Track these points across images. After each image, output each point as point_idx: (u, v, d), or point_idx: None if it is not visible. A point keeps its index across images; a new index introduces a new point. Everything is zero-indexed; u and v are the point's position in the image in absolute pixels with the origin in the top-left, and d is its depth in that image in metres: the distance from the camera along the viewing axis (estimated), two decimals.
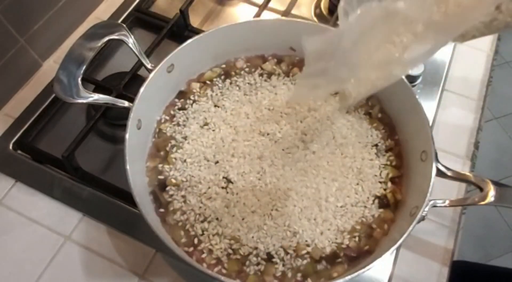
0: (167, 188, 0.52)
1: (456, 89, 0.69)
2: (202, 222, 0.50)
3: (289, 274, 0.48)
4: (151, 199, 0.52)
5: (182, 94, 0.59)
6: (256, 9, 0.72)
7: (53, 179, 0.60)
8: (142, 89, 0.52)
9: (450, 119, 0.66)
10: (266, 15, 0.74)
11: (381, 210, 0.52)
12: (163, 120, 0.57)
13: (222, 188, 0.52)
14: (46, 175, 0.60)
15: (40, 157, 0.61)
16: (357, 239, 0.50)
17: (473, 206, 0.49)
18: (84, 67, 0.53)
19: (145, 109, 0.53)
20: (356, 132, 0.56)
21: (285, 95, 0.59)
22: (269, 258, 0.48)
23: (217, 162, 0.54)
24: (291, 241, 0.49)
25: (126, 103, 0.52)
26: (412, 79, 0.66)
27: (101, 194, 0.58)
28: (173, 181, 0.53)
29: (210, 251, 0.49)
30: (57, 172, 0.60)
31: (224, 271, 0.48)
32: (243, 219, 0.50)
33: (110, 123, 0.65)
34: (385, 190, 0.53)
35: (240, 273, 0.48)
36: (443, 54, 0.71)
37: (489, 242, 1.45)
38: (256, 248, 0.49)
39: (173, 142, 0.55)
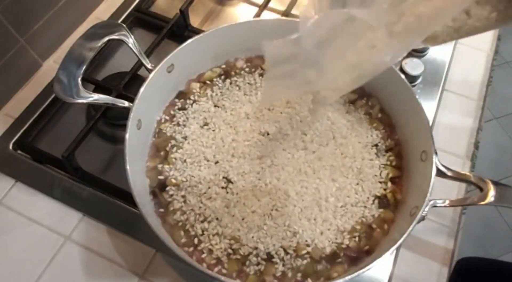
0: (167, 188, 0.52)
1: (456, 89, 0.69)
2: (202, 222, 0.50)
3: (289, 274, 0.48)
4: (151, 199, 0.52)
5: (182, 94, 0.59)
6: (256, 9, 0.72)
7: (53, 179, 0.60)
8: (142, 89, 0.52)
9: (450, 119, 0.66)
10: (266, 15, 0.74)
11: (381, 210, 0.52)
12: (163, 120, 0.57)
13: (222, 188, 0.52)
14: (46, 175, 0.60)
15: (40, 157, 0.61)
16: (357, 239, 0.50)
17: (473, 206, 0.49)
18: (84, 67, 0.53)
19: (145, 109, 0.53)
20: (356, 132, 0.56)
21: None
22: (269, 258, 0.48)
23: (217, 162, 0.54)
24: (291, 241, 0.49)
25: (126, 103, 0.52)
26: (412, 79, 0.66)
27: (101, 194, 0.58)
28: (173, 181, 0.53)
29: (210, 251, 0.49)
30: (57, 172, 0.60)
31: (224, 271, 0.48)
32: (243, 219, 0.50)
33: (110, 123, 0.65)
34: (385, 190, 0.53)
35: (240, 273, 0.48)
36: (443, 54, 0.71)
37: (489, 242, 1.45)
38: (256, 248, 0.49)
39: (173, 142, 0.55)
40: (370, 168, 0.54)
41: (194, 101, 0.59)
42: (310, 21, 0.38)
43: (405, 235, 0.43)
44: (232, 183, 0.52)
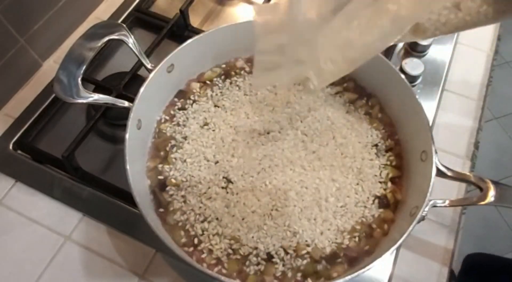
0: (167, 188, 0.52)
1: (456, 89, 0.69)
2: (202, 222, 0.50)
3: (289, 274, 0.48)
4: (151, 199, 0.52)
5: (182, 94, 0.59)
6: None
7: (53, 179, 0.60)
8: (142, 89, 0.52)
9: (450, 119, 0.66)
10: None
11: (381, 210, 0.52)
12: (163, 120, 0.57)
13: (222, 188, 0.52)
14: (46, 175, 0.60)
15: (40, 157, 0.61)
16: (357, 239, 0.50)
17: (473, 206, 0.49)
18: (84, 67, 0.53)
19: (145, 109, 0.53)
20: (356, 132, 0.56)
21: (285, 95, 0.59)
22: (269, 258, 0.48)
23: (217, 162, 0.54)
24: (291, 241, 0.49)
25: (126, 103, 0.52)
26: (412, 79, 0.66)
27: (101, 194, 0.58)
28: (173, 181, 0.53)
29: (210, 251, 0.49)
30: (57, 172, 0.60)
31: (224, 271, 0.48)
32: (243, 219, 0.50)
33: (110, 123, 0.65)
34: (385, 190, 0.53)
35: (240, 273, 0.48)
36: (443, 54, 0.71)
37: (489, 242, 1.45)
38: (256, 248, 0.49)
39: (173, 142, 0.55)
40: (370, 168, 0.54)
41: (194, 101, 0.59)
42: None
43: (405, 235, 0.43)
44: (232, 183, 0.52)
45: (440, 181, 0.47)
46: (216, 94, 0.59)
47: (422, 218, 0.45)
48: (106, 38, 0.55)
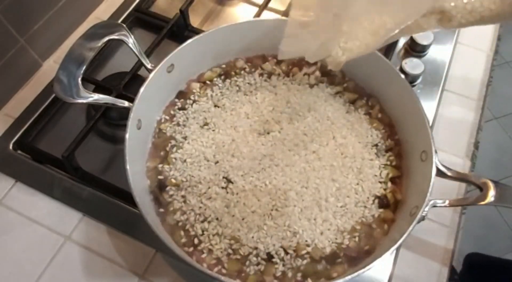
0: (167, 188, 0.52)
1: (456, 89, 0.69)
2: (202, 222, 0.50)
3: (289, 274, 0.48)
4: (151, 199, 0.52)
5: (182, 94, 0.59)
6: (256, 9, 0.72)
7: (53, 179, 0.60)
8: (142, 89, 0.52)
9: (450, 119, 0.66)
10: (266, 15, 0.74)
11: (381, 210, 0.52)
12: (163, 120, 0.57)
13: (222, 188, 0.52)
14: (46, 175, 0.60)
15: (40, 157, 0.61)
16: (357, 239, 0.50)
17: (473, 206, 0.49)
18: (84, 67, 0.53)
19: (145, 109, 0.53)
20: (356, 132, 0.56)
21: (285, 95, 0.59)
22: (269, 258, 0.48)
23: (217, 162, 0.54)
24: (291, 241, 0.49)
25: (126, 103, 0.52)
26: (412, 79, 0.66)
27: (101, 194, 0.58)
28: (173, 181, 0.53)
29: (210, 251, 0.49)
30: (57, 172, 0.60)
31: (224, 271, 0.48)
32: (243, 219, 0.50)
33: (110, 123, 0.65)
34: (385, 190, 0.53)
35: (240, 273, 0.48)
36: (443, 54, 0.71)
37: (489, 242, 1.45)
38: (256, 248, 0.49)
39: (173, 142, 0.55)
40: (370, 168, 0.54)
41: (194, 101, 0.59)
42: None
43: (405, 235, 0.43)
44: (232, 183, 0.52)
45: (440, 181, 0.47)
46: (216, 94, 0.59)
47: (422, 218, 0.45)
48: (106, 38, 0.55)
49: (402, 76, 0.54)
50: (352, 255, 0.49)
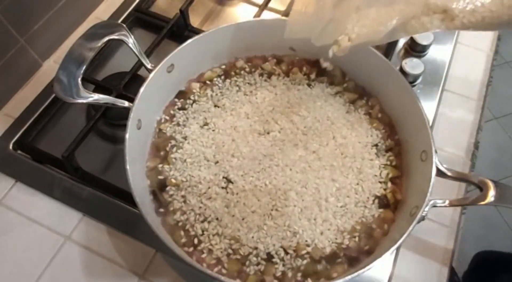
0: (167, 188, 0.52)
1: (456, 89, 0.69)
2: (202, 222, 0.50)
3: (289, 274, 0.48)
4: (151, 199, 0.52)
5: (182, 94, 0.59)
6: (256, 9, 0.72)
7: (53, 179, 0.60)
8: (142, 89, 0.52)
9: (450, 119, 0.66)
10: (266, 15, 0.74)
11: (381, 210, 0.52)
12: (163, 120, 0.57)
13: (222, 188, 0.52)
14: (46, 175, 0.60)
15: (40, 157, 0.61)
16: (357, 239, 0.50)
17: (473, 206, 0.49)
18: (84, 67, 0.53)
19: (145, 109, 0.53)
20: (356, 132, 0.56)
21: (285, 95, 0.59)
22: (269, 258, 0.48)
23: (217, 162, 0.54)
24: (291, 241, 0.49)
25: (126, 103, 0.52)
26: (412, 79, 0.66)
27: (101, 194, 0.58)
28: (173, 181, 0.53)
29: (210, 251, 0.49)
30: (57, 172, 0.60)
31: (224, 271, 0.48)
32: (243, 219, 0.50)
33: (110, 123, 0.65)
34: (385, 190, 0.53)
35: (240, 273, 0.48)
36: (443, 54, 0.71)
37: (489, 242, 1.44)
38: (256, 248, 0.49)
39: (173, 142, 0.55)
40: (370, 168, 0.54)
41: (194, 101, 0.59)
42: None
43: (405, 235, 0.43)
44: (232, 183, 0.52)
45: (440, 181, 0.47)
46: (216, 94, 0.59)
47: (422, 218, 0.45)
48: (106, 38, 0.55)
49: (402, 76, 0.54)
50: (352, 255, 0.49)
